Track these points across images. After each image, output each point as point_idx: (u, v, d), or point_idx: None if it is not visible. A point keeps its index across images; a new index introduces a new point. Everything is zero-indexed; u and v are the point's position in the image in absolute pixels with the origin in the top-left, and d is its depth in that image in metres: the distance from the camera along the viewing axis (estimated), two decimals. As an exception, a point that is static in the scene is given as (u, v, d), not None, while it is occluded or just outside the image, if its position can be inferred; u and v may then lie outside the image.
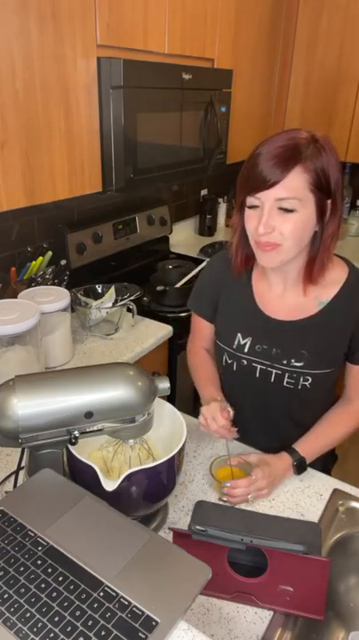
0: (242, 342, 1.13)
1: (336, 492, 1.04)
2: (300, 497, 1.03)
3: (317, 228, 0.97)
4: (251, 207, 0.95)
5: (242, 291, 1.14)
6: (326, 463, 1.25)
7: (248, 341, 1.12)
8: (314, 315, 1.06)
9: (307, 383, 1.09)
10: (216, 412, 1.02)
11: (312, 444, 1.09)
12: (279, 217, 0.92)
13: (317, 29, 2.40)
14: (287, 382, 1.10)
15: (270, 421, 1.20)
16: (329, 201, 0.94)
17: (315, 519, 0.98)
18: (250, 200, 0.95)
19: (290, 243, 0.94)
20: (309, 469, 1.08)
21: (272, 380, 1.12)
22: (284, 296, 1.09)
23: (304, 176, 0.89)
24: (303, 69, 2.50)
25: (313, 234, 0.97)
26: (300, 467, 1.06)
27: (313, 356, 1.07)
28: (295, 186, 0.89)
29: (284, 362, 1.09)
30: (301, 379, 1.08)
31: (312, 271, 1.02)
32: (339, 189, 0.94)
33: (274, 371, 1.11)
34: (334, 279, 1.05)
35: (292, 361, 1.08)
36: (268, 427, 1.20)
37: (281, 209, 0.91)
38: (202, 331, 1.27)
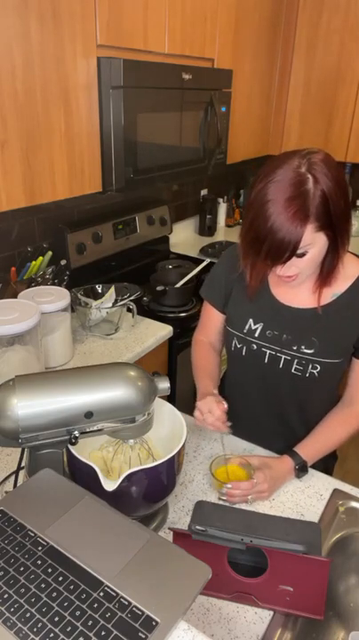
0: (253, 327, 1.15)
1: (336, 491, 1.04)
2: (300, 497, 1.03)
3: (328, 243, 0.99)
4: None
5: None
6: (327, 463, 1.25)
7: (259, 327, 1.14)
8: (327, 304, 1.09)
9: (315, 371, 1.10)
10: (212, 405, 1.03)
11: (313, 447, 1.09)
12: (294, 259, 0.97)
13: (317, 29, 2.40)
14: (295, 369, 1.12)
15: (276, 409, 1.21)
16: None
17: (315, 519, 0.98)
18: None
19: (308, 271, 1.02)
20: (309, 469, 1.09)
21: (281, 365, 1.13)
22: (301, 287, 1.11)
23: (311, 226, 0.92)
24: (303, 69, 2.50)
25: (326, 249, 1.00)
26: (302, 470, 1.06)
27: (323, 343, 1.09)
28: (305, 238, 0.93)
29: (294, 348, 1.11)
30: (310, 366, 1.10)
31: (329, 272, 1.05)
32: (343, 215, 0.95)
33: (283, 356, 1.12)
34: (349, 274, 1.08)
35: (302, 347, 1.10)
36: (274, 414, 1.21)
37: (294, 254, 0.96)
38: (211, 321, 1.28)
